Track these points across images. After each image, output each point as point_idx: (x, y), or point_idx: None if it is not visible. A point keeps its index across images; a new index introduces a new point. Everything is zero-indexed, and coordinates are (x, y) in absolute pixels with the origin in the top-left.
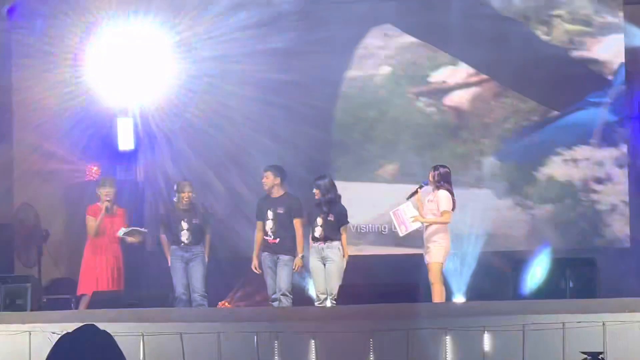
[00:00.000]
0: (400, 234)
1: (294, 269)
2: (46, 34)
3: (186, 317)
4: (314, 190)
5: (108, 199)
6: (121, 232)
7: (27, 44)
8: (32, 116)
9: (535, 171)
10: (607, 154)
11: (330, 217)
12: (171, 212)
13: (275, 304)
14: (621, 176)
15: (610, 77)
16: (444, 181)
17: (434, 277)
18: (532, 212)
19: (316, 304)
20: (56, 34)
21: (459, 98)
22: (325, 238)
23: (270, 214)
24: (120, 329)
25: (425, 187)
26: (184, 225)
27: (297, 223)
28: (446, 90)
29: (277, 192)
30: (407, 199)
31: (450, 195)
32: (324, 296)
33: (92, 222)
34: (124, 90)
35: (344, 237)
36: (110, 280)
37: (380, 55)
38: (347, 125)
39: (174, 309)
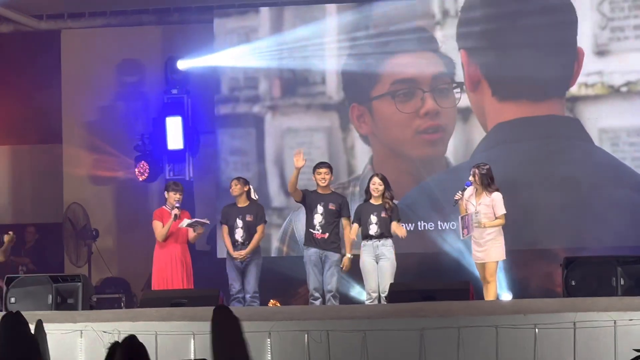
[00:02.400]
0: (462, 237)
1: (342, 269)
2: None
3: (237, 316)
4: (373, 186)
5: (178, 205)
6: (184, 223)
7: (76, 42)
8: (80, 114)
9: None
10: None
11: (384, 214)
12: (230, 209)
13: (317, 302)
14: None
15: None
16: (491, 179)
17: (492, 276)
18: None
19: (367, 302)
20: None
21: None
22: (380, 235)
23: (320, 208)
24: (171, 328)
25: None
26: (239, 222)
27: (345, 222)
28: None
29: (328, 189)
30: (454, 204)
31: (501, 196)
32: (376, 294)
33: (159, 227)
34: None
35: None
36: (180, 281)
37: None
38: None
39: None
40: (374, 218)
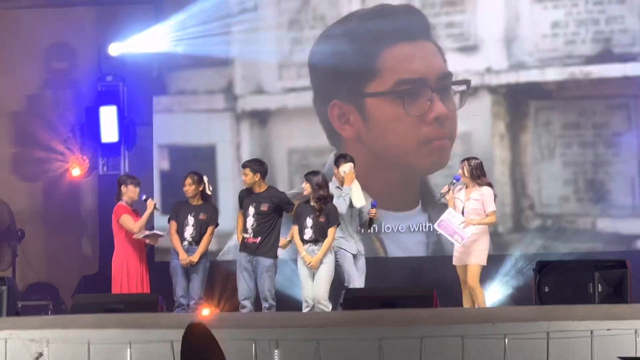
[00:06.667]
0: (458, 244)
1: (282, 247)
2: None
3: (178, 324)
4: (304, 186)
5: (145, 197)
6: (140, 234)
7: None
8: (5, 103)
9: None
10: None
11: (322, 218)
12: (182, 205)
13: (245, 310)
14: None
15: None
16: (482, 174)
17: (474, 281)
18: None
19: (304, 309)
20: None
21: None
22: (315, 240)
23: (251, 210)
24: (106, 336)
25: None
26: (190, 220)
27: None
28: None
29: (260, 187)
30: (440, 198)
31: (492, 192)
32: (312, 302)
33: (131, 221)
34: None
35: (330, 238)
36: (141, 282)
37: None
38: None
39: (164, 315)
40: (309, 221)
